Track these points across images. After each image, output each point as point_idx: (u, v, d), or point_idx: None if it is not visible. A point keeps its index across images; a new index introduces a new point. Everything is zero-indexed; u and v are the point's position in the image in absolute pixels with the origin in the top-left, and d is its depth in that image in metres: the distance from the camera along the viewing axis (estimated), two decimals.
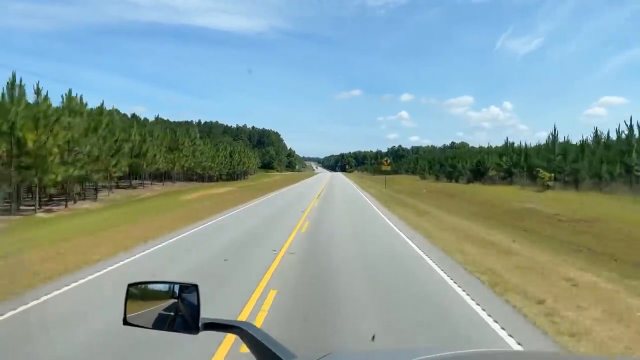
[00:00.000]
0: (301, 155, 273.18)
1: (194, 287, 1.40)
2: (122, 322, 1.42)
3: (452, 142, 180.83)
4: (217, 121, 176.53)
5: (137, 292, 1.46)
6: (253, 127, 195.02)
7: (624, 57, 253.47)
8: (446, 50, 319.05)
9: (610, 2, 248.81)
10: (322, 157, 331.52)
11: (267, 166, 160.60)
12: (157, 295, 1.46)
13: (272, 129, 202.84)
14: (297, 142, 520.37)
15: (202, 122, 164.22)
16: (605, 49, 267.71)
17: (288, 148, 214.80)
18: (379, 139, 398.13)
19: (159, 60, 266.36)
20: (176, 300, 1.41)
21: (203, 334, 1.36)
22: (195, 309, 1.37)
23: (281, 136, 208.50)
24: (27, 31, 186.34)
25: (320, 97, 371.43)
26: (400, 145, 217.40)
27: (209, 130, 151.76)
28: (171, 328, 1.39)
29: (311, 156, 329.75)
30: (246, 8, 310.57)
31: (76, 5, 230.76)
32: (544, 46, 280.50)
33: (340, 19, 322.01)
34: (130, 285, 1.46)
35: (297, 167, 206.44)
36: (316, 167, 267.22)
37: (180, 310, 1.40)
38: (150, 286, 1.50)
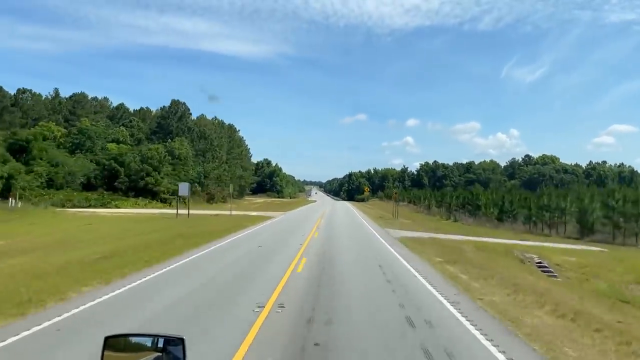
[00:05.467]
0: (301, 180, 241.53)
1: (180, 341, 1.23)
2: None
3: (528, 155, 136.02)
4: (96, 96, 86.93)
5: (116, 345, 1.21)
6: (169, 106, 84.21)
7: (633, 86, 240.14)
8: (452, 77, 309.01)
9: (615, 33, 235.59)
10: (324, 181, 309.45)
11: (142, 191, 56.02)
12: (140, 347, 1.21)
13: (220, 118, 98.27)
14: (298, 167, 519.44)
15: (63, 96, 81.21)
16: (613, 77, 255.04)
17: (274, 164, 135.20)
18: (383, 165, 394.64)
19: (168, 82, 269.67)
20: (160, 354, 1.19)
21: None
22: None
23: (239, 132, 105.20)
24: (34, 54, 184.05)
25: (323, 122, 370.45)
26: (435, 161, 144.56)
27: (72, 108, 76.67)
28: None
29: (313, 180, 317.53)
30: (252, 35, 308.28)
31: (85, 28, 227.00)
32: (549, 75, 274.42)
33: (346, 45, 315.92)
34: (107, 337, 1.24)
35: (283, 191, 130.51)
36: (315, 192, 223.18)
37: None
38: (132, 339, 1.24)
